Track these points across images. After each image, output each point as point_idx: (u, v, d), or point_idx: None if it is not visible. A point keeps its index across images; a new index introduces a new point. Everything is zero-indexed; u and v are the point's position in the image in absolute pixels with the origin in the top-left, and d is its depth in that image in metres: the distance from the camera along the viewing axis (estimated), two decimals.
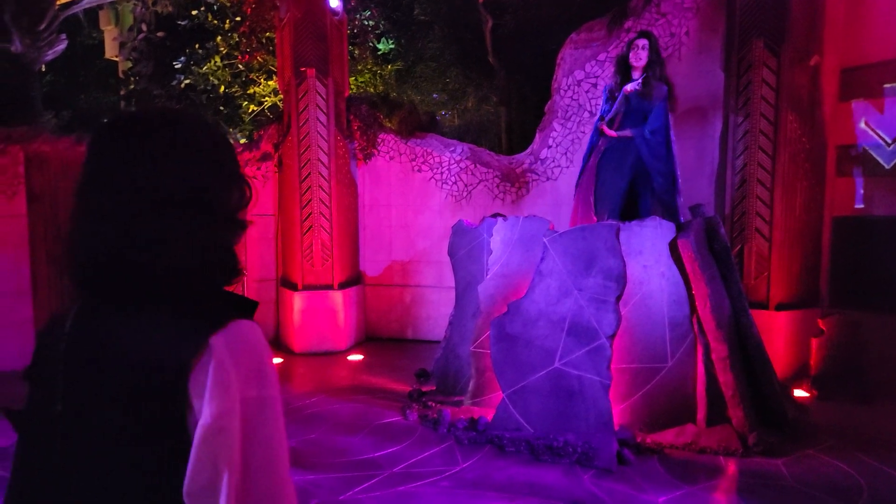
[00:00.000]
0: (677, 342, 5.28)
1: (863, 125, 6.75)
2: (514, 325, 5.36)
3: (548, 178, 8.63)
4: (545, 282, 5.36)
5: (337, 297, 8.64)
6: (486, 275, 6.06)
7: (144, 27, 12.48)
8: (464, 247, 6.50)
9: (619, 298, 5.11)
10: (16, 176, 7.53)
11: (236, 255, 1.28)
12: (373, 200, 9.41)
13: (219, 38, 11.61)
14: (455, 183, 9.03)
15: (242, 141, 10.59)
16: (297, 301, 8.54)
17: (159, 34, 12.39)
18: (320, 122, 8.46)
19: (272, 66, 11.17)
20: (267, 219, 9.15)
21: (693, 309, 5.26)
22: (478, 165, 8.95)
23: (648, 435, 5.18)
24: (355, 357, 8.35)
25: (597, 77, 8.27)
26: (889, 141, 6.61)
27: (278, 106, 11.09)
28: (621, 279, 5.12)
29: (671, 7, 7.86)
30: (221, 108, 12.27)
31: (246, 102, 11.91)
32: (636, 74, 6.03)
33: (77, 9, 12.28)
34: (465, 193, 8.99)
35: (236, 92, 11.85)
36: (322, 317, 8.58)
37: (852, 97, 6.85)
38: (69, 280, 1.25)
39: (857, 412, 6.05)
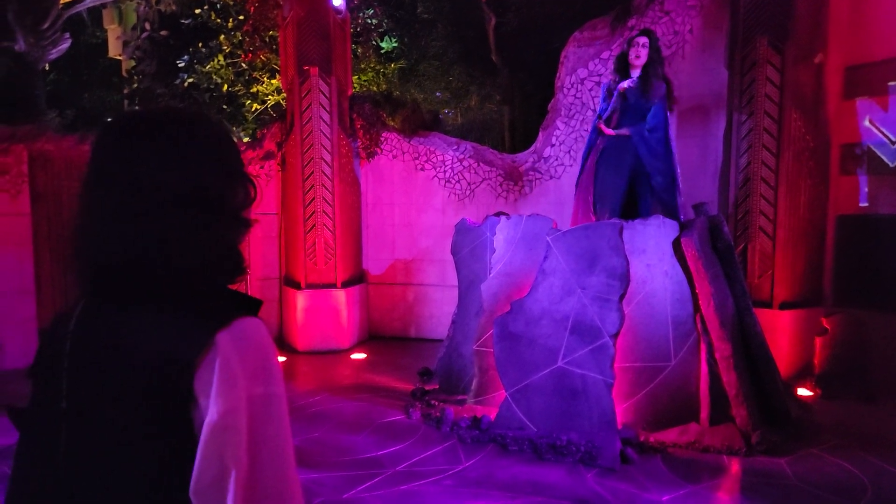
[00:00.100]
0: (681, 341, 5.27)
1: (867, 123, 6.73)
2: (517, 324, 5.35)
3: (551, 177, 8.63)
4: (548, 280, 5.35)
5: (340, 295, 8.64)
6: (490, 273, 6.05)
7: (148, 26, 12.50)
8: (467, 245, 6.49)
9: (622, 297, 5.11)
10: (19, 175, 7.54)
11: (241, 254, 1.28)
12: (376, 199, 9.41)
13: (222, 36, 11.62)
14: (458, 181, 9.03)
15: (245, 139, 10.61)
16: (301, 300, 8.55)
17: (163, 33, 12.41)
18: (323, 120, 8.46)
19: (275, 64, 11.17)
20: (270, 217, 9.16)
21: (696, 308, 5.25)
22: (481, 164, 8.95)
23: (652, 434, 5.17)
24: (358, 356, 8.36)
25: (600, 75, 8.26)
26: (893, 139, 6.60)
27: (281, 104, 11.10)
28: (624, 278, 5.11)
29: (675, 5, 7.85)
30: (225, 106, 12.28)
31: (249, 101, 11.92)
32: (635, 72, 6.02)
33: (80, 7, 12.30)
34: (468, 192, 8.99)
35: (239, 90, 11.86)
36: (325, 315, 8.58)
37: (856, 95, 6.83)
38: (76, 279, 1.25)
39: (861, 411, 6.03)
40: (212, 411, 1.10)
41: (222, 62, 11.59)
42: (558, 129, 8.60)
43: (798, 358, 6.90)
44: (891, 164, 6.62)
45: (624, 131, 6.00)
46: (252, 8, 11.18)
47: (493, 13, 12.11)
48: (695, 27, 7.74)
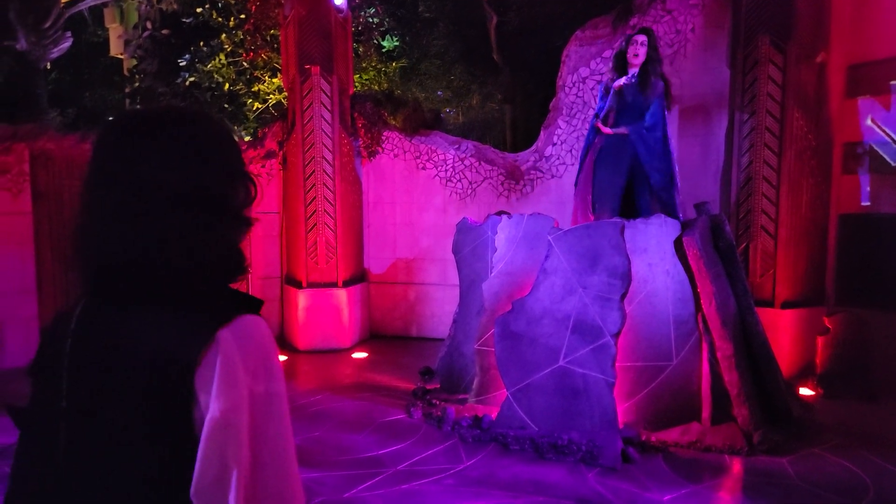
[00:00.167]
0: (682, 340, 5.26)
1: (869, 122, 6.72)
2: (518, 323, 5.35)
3: (552, 176, 8.62)
4: (550, 280, 5.35)
5: (341, 294, 8.64)
6: (491, 272, 6.05)
7: (149, 25, 12.49)
8: (468, 244, 6.49)
9: (623, 296, 5.10)
10: (21, 174, 7.54)
11: (242, 253, 1.28)
12: (377, 198, 9.40)
13: (223, 35, 11.61)
14: (459, 180, 9.02)
15: (247, 139, 10.60)
16: (302, 299, 8.54)
17: (164, 32, 12.40)
18: (325, 119, 8.45)
19: (277, 63, 11.17)
20: (271, 216, 9.15)
21: (698, 307, 5.24)
22: (482, 163, 8.94)
23: (653, 433, 5.16)
24: (360, 355, 8.36)
25: (602, 74, 8.24)
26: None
27: (283, 103, 11.10)
28: (626, 277, 5.10)
29: (677, 4, 7.84)
30: (226, 105, 12.27)
31: (250, 100, 11.91)
32: (633, 71, 6.01)
33: (82, 6, 12.31)
34: (469, 191, 8.98)
35: (241, 89, 11.85)
36: (326, 314, 8.58)
37: (859, 94, 6.82)
38: (79, 279, 1.24)
39: (863, 410, 6.03)
40: (213, 408, 1.10)
41: (224, 61, 11.58)
42: (560, 127, 8.59)
43: (800, 357, 6.90)
44: (893, 164, 6.61)
45: (622, 130, 5.99)
46: (253, 7, 11.17)
47: (494, 12, 12.10)
48: (696, 26, 7.73)
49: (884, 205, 6.68)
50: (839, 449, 5.09)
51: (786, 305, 6.90)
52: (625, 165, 6.00)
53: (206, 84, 11.82)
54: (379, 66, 12.76)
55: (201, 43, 11.75)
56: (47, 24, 11.23)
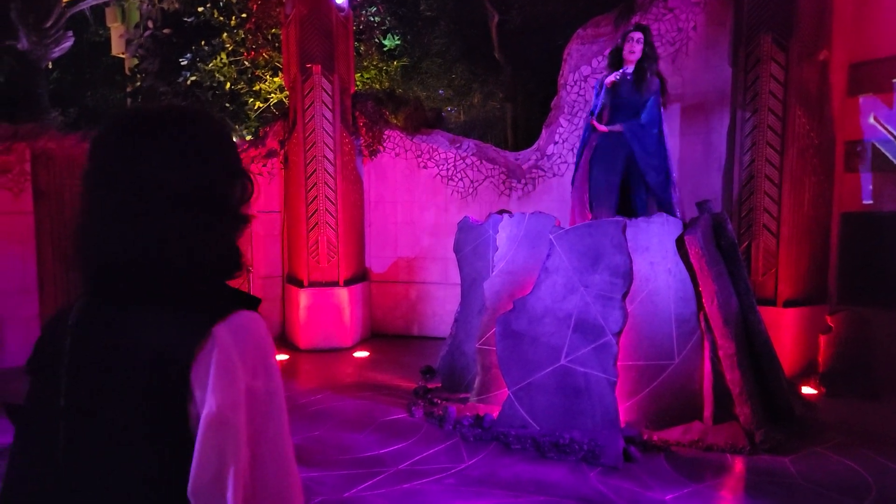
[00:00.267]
0: (684, 339, 5.25)
1: (871, 120, 6.70)
2: (519, 322, 5.34)
3: (554, 175, 8.60)
4: (551, 278, 5.34)
5: (343, 293, 8.64)
6: (492, 271, 6.04)
7: (151, 24, 12.50)
8: (469, 243, 6.48)
9: (625, 295, 5.09)
10: (22, 173, 7.55)
11: (239, 250, 1.28)
12: (378, 197, 9.40)
13: (225, 34, 11.61)
14: (461, 179, 9.01)
15: (248, 138, 10.61)
16: (303, 298, 8.54)
17: (165, 31, 12.42)
18: (326, 118, 8.44)
19: (278, 62, 11.17)
20: (273, 215, 9.15)
21: (700, 306, 5.23)
22: (483, 162, 8.93)
23: (655, 432, 5.15)
24: (361, 354, 8.35)
25: (603, 72, 8.23)
26: None
27: (284, 103, 11.10)
28: (628, 276, 5.09)
29: (678, 2, 7.82)
30: (227, 104, 12.28)
31: (252, 99, 11.92)
32: (629, 68, 5.99)
33: (83, 6, 12.32)
34: (470, 190, 8.97)
35: (242, 89, 11.86)
36: (328, 313, 8.58)
37: (861, 92, 6.79)
38: (80, 278, 1.24)
39: (865, 409, 6.01)
40: (209, 404, 1.09)
41: (225, 60, 11.58)
42: (561, 126, 8.58)
43: (802, 356, 6.88)
44: (895, 161, 6.59)
45: (617, 127, 5.98)
46: (255, 6, 11.18)
47: (495, 10, 12.09)
48: (698, 24, 7.71)
49: (886, 203, 6.66)
50: (841, 448, 5.07)
51: (788, 304, 6.89)
52: (620, 163, 5.99)
53: (208, 83, 11.83)
54: (380, 65, 12.75)
55: (203, 42, 11.76)
56: (49, 24, 11.24)
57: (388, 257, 9.41)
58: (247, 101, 12.04)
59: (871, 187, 6.74)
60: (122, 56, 15.91)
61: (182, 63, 11.97)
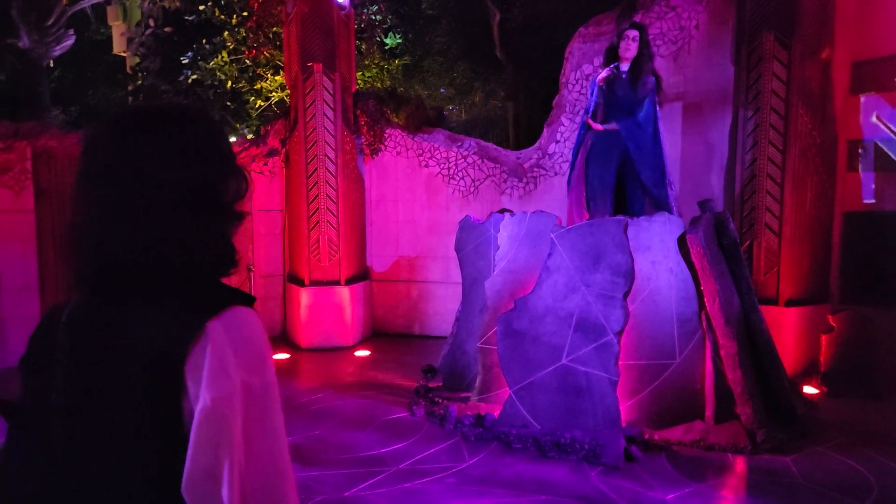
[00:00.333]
0: (685, 339, 5.24)
1: (874, 119, 6.68)
2: (521, 322, 5.33)
3: (555, 173, 8.59)
4: (552, 278, 5.33)
5: (344, 292, 8.63)
6: (493, 270, 6.03)
7: (152, 22, 12.50)
8: (471, 242, 6.47)
9: (626, 294, 5.08)
10: (23, 171, 7.54)
11: (234, 247, 1.28)
12: (380, 196, 9.39)
13: (226, 33, 11.61)
14: (462, 178, 9.00)
15: (249, 136, 10.60)
16: (304, 297, 8.53)
17: (167, 29, 12.42)
18: (327, 117, 8.44)
19: (279, 61, 11.16)
20: (274, 214, 9.15)
21: (702, 305, 5.22)
22: (485, 160, 8.92)
23: (656, 432, 5.14)
24: (362, 353, 8.35)
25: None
26: None
27: (285, 101, 11.09)
28: (629, 275, 5.08)
29: (681, 0, 7.80)
30: (228, 103, 12.28)
31: (253, 98, 11.91)
32: (624, 66, 5.98)
33: (85, 4, 12.32)
34: (472, 189, 8.96)
35: (243, 87, 11.85)
36: (329, 312, 8.57)
37: (864, 91, 6.78)
38: (74, 277, 1.24)
39: (867, 409, 6.00)
40: (203, 397, 1.09)
41: (226, 59, 11.58)
42: (563, 125, 8.57)
43: (804, 355, 6.87)
44: None
45: (612, 126, 5.97)
46: (256, 4, 11.17)
47: (497, 9, 12.08)
48: (700, 22, 7.69)
49: (888, 202, 6.65)
50: (843, 447, 5.06)
51: (790, 303, 6.87)
52: (615, 162, 5.98)
53: (209, 82, 11.83)
54: (381, 64, 12.74)
55: (204, 40, 11.76)
56: (50, 22, 11.24)
57: (389, 256, 9.40)
58: (248, 100, 12.04)
59: (873, 186, 6.73)
60: (123, 54, 15.92)
61: (183, 61, 11.96)
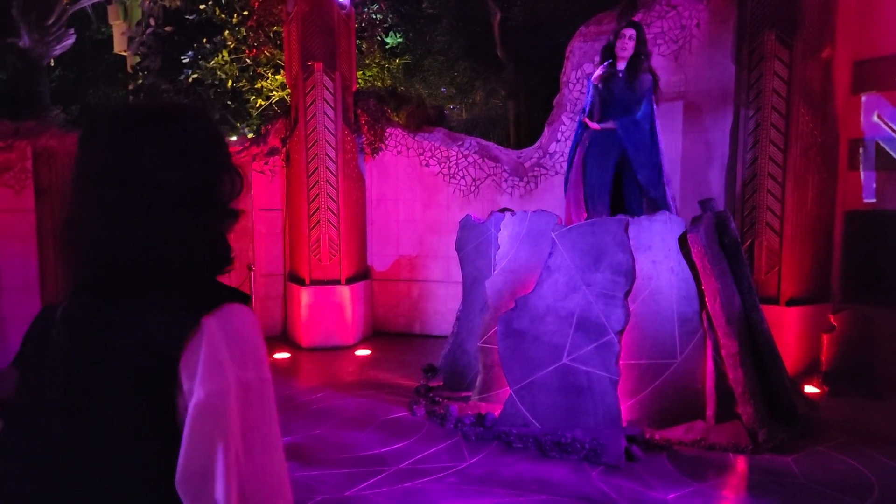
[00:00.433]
0: (686, 338, 5.23)
1: (875, 118, 6.67)
2: (521, 321, 5.32)
3: (556, 173, 8.58)
4: (553, 277, 5.32)
5: (344, 291, 8.63)
6: (494, 270, 6.02)
7: (153, 22, 12.50)
8: (471, 242, 6.46)
9: (627, 294, 5.07)
10: (23, 171, 7.54)
11: (229, 245, 1.28)
12: (380, 195, 9.38)
13: (226, 32, 11.60)
14: (463, 177, 8.99)
15: (250, 136, 10.59)
16: (305, 296, 8.53)
17: (167, 29, 12.41)
18: (328, 116, 8.43)
19: (280, 60, 11.15)
20: (274, 214, 9.14)
21: (703, 304, 5.21)
22: (486, 160, 8.91)
23: (657, 431, 5.13)
24: (363, 352, 8.34)
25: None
26: None
27: (286, 100, 11.08)
28: (630, 274, 5.08)
29: None
30: (229, 102, 12.27)
31: (253, 97, 11.91)
32: (621, 65, 5.97)
33: (85, 3, 12.31)
34: (472, 188, 8.95)
35: (244, 86, 11.85)
36: (329, 312, 8.57)
37: (865, 90, 6.76)
38: (71, 275, 1.23)
39: (869, 408, 5.99)
40: (198, 392, 1.09)
41: (227, 58, 11.57)
42: (564, 124, 8.55)
43: (805, 355, 6.86)
44: None
45: (609, 125, 5.96)
46: (256, 3, 11.17)
47: (498, 8, 12.07)
48: (702, 21, 7.68)
49: (889, 201, 6.63)
50: (844, 447, 5.06)
51: (791, 303, 6.86)
52: (612, 161, 5.97)
53: (210, 81, 11.82)
54: (382, 63, 12.73)
55: (204, 40, 11.75)
56: (50, 21, 11.23)
57: (389, 255, 9.40)
58: (248, 99, 12.03)
59: (874, 185, 6.71)
60: (123, 54, 15.91)
61: (184, 61, 11.96)
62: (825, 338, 6.66)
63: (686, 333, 5.23)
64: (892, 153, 6.59)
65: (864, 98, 6.74)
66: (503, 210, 6.39)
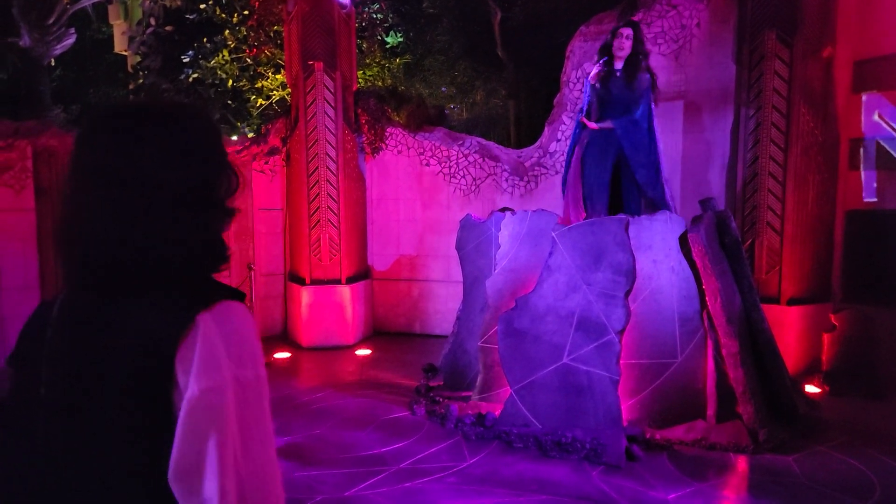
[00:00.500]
0: (687, 337, 5.23)
1: (876, 118, 6.65)
2: (522, 321, 5.32)
3: (557, 172, 8.57)
4: (553, 276, 5.32)
5: (345, 291, 8.62)
6: (494, 269, 6.01)
7: (153, 21, 12.50)
8: (472, 241, 6.45)
9: (628, 293, 5.07)
10: (24, 170, 7.53)
11: (225, 243, 1.28)
12: (381, 194, 9.38)
13: (227, 31, 11.60)
14: (463, 177, 8.99)
15: (250, 135, 10.58)
16: (305, 295, 8.53)
17: (168, 28, 12.41)
18: (328, 115, 8.43)
19: (280, 59, 11.15)
20: (275, 213, 9.14)
21: (703, 304, 5.20)
22: (486, 159, 8.90)
23: (658, 431, 5.13)
24: (363, 352, 8.34)
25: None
26: None
27: (286, 100, 11.08)
28: (631, 274, 5.07)
29: None
30: (229, 102, 12.28)
31: (254, 96, 11.91)
32: (618, 64, 5.97)
33: (86, 3, 12.31)
34: (473, 187, 8.95)
35: (244, 86, 11.84)
36: (330, 311, 8.56)
37: (866, 89, 6.75)
38: (67, 273, 1.23)
39: (869, 408, 5.98)
40: (192, 388, 1.09)
41: (227, 57, 11.57)
42: (564, 123, 8.55)
43: (806, 354, 6.85)
44: None
45: (607, 124, 5.95)
46: (256, 3, 11.17)
47: (498, 8, 12.06)
48: (702, 21, 7.67)
49: (890, 201, 6.62)
50: (845, 447, 5.05)
51: (791, 302, 6.86)
52: (610, 160, 5.96)
53: (210, 80, 11.82)
54: (383, 62, 12.73)
55: (205, 39, 11.75)
56: (51, 21, 11.23)
57: (390, 255, 9.39)
58: (249, 99, 12.03)
59: (875, 185, 6.70)
60: (124, 53, 15.92)
61: (184, 60, 11.96)
62: (826, 337, 6.65)
63: (687, 333, 5.23)
64: (892, 152, 6.57)
65: (864, 97, 6.73)
66: (503, 209, 6.38)
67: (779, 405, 5.37)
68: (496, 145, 9.25)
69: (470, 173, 8.96)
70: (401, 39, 13.79)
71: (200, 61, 11.72)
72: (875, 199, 6.67)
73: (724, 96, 7.49)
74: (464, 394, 6.11)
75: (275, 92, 11.77)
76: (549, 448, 4.93)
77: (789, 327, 6.75)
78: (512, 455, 4.95)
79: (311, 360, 7.98)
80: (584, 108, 6.14)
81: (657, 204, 5.84)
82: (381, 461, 4.86)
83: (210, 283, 1.23)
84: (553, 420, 5.10)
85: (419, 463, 4.83)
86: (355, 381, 7.06)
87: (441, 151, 9.05)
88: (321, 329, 8.53)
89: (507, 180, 8.80)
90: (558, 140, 8.58)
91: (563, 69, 8.64)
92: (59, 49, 11.66)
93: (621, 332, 5.00)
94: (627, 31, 5.93)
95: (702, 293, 5.21)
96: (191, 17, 12.10)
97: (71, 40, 11.78)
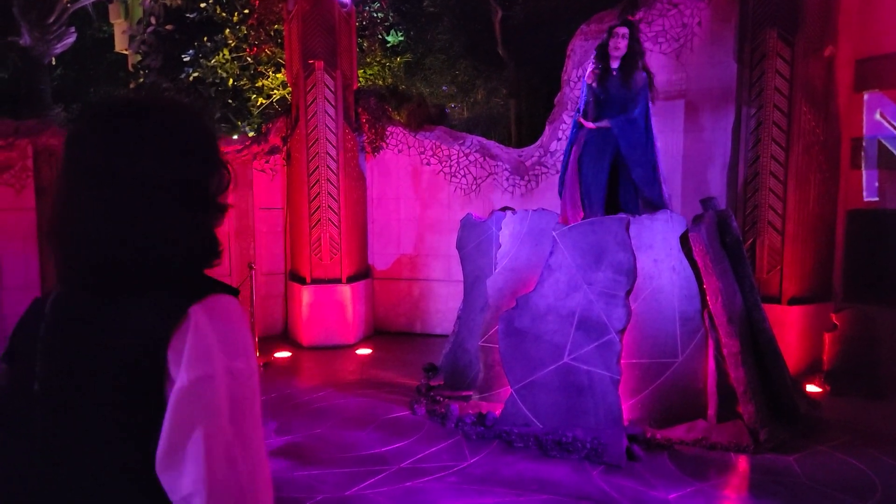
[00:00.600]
0: (688, 337, 5.22)
1: (878, 117, 6.64)
2: (522, 320, 5.31)
3: (557, 171, 8.51)
4: (554, 276, 5.31)
5: (345, 290, 8.62)
6: (495, 269, 6.01)
7: (153, 20, 12.49)
8: (472, 240, 6.45)
9: (629, 293, 5.06)
10: (24, 169, 7.54)
11: (217, 239, 1.27)
12: (381, 194, 9.37)
13: (227, 30, 11.59)
14: (464, 176, 8.98)
15: (251, 134, 10.58)
16: (306, 295, 8.52)
17: (168, 27, 12.41)
18: (328, 114, 8.42)
19: (280, 58, 11.14)
20: (275, 212, 9.13)
21: (704, 303, 5.20)
22: (487, 158, 8.89)
23: (658, 431, 5.13)
24: (364, 351, 8.34)
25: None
26: None
27: (287, 99, 11.07)
28: (631, 273, 5.06)
29: None
30: (230, 101, 12.27)
31: (254, 95, 11.90)
32: (615, 63, 5.95)
33: (86, 2, 12.31)
34: (474, 186, 8.94)
35: (245, 85, 11.84)
36: (330, 310, 8.56)
37: (867, 88, 6.73)
38: (61, 271, 1.22)
39: (871, 408, 5.98)
40: (181, 378, 1.08)
41: (227, 56, 11.56)
42: (565, 122, 8.53)
43: (807, 354, 6.84)
44: None
45: (604, 123, 5.93)
46: (257, 2, 11.16)
47: (499, 6, 12.05)
48: (703, 20, 7.66)
49: (891, 200, 6.60)
50: (846, 447, 5.05)
51: (793, 302, 6.85)
52: (607, 159, 5.95)
53: (210, 79, 11.82)
54: (383, 61, 12.71)
55: (205, 38, 11.74)
56: (51, 20, 11.23)
57: (390, 254, 9.38)
58: (249, 98, 12.02)
59: (876, 184, 6.68)
60: (124, 52, 15.91)
61: (185, 59, 11.95)
62: (827, 337, 6.64)
63: (687, 332, 5.22)
64: (894, 151, 6.56)
65: (866, 96, 6.71)
66: (504, 209, 6.38)
67: (780, 405, 5.36)
68: (497, 144, 9.24)
69: (471, 172, 8.95)
70: (401, 38, 13.78)
71: (201, 60, 11.71)
72: (876, 199, 6.66)
73: (726, 95, 7.47)
74: (464, 393, 6.11)
75: (275, 91, 11.76)
76: (549, 448, 4.93)
77: (790, 327, 6.74)
78: (512, 454, 4.95)
79: (311, 360, 7.98)
80: (581, 108, 6.13)
81: (654, 203, 5.82)
82: (382, 460, 4.86)
83: (202, 278, 1.23)
84: (554, 419, 5.10)
85: (420, 462, 4.83)
86: (356, 380, 7.06)
87: (442, 150, 9.04)
88: (322, 328, 8.53)
89: (507, 179, 8.79)
90: (559, 139, 8.57)
91: (564, 68, 8.63)
92: (59, 48, 11.66)
93: (622, 332, 4.99)
94: (623, 31, 5.91)
95: (703, 293, 5.21)
96: (191, 15, 12.09)
97: (71, 39, 11.79)
